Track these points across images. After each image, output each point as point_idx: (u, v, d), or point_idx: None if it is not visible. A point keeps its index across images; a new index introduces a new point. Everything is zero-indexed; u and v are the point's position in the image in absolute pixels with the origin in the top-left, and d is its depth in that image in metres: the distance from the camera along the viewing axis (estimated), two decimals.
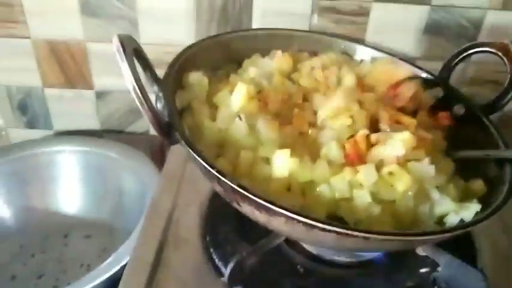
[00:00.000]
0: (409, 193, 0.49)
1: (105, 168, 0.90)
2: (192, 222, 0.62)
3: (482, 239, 0.62)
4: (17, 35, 0.87)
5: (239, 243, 0.58)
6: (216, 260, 0.56)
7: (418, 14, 0.82)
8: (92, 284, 0.66)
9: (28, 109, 0.97)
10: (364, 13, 0.83)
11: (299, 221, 0.41)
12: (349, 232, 0.41)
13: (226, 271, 0.51)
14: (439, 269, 0.55)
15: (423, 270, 0.56)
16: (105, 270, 0.67)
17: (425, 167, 0.50)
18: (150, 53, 0.87)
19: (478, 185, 0.54)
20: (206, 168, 0.45)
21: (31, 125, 0.99)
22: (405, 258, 0.58)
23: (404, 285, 0.55)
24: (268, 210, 0.42)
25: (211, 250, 0.58)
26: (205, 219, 0.62)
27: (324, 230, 0.41)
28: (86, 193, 0.93)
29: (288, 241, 0.57)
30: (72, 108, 0.96)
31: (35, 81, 0.93)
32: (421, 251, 0.55)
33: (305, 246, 0.58)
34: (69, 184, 0.93)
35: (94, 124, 0.99)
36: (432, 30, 0.84)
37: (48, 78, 0.93)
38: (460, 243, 0.57)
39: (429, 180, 0.50)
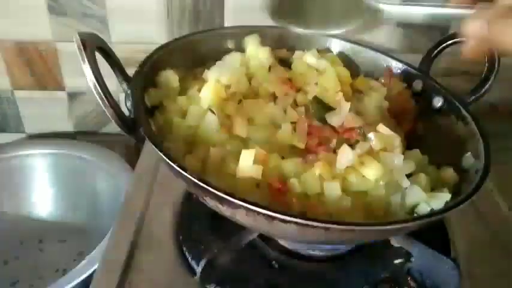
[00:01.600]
0: (381, 182, 0.49)
1: (79, 170, 0.89)
2: (165, 222, 0.61)
3: (455, 228, 0.62)
4: None
5: (212, 242, 0.57)
6: (189, 259, 0.55)
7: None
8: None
9: None
10: None
11: (259, 213, 0.41)
12: (309, 222, 0.40)
13: (198, 269, 0.50)
14: (413, 259, 0.55)
15: (397, 261, 0.56)
16: (79, 274, 0.66)
17: (395, 156, 0.51)
18: (120, 51, 0.85)
19: (449, 173, 0.54)
20: (169, 163, 0.44)
21: (1, 128, 0.97)
22: (379, 250, 0.57)
23: (379, 277, 0.55)
24: (229, 203, 0.42)
25: (184, 249, 0.57)
26: (178, 218, 0.61)
27: (284, 221, 0.41)
28: (59, 197, 0.91)
29: (263, 237, 0.57)
30: (44, 110, 0.94)
31: (4, 83, 0.91)
32: (395, 243, 0.54)
33: (280, 241, 0.58)
34: (42, 188, 0.91)
35: (67, 126, 0.97)
36: (404, 23, 0.84)
37: (17, 80, 0.91)
38: (434, 233, 0.58)
39: (399, 169, 0.50)
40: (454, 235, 0.61)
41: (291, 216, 0.40)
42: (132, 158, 0.92)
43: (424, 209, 0.48)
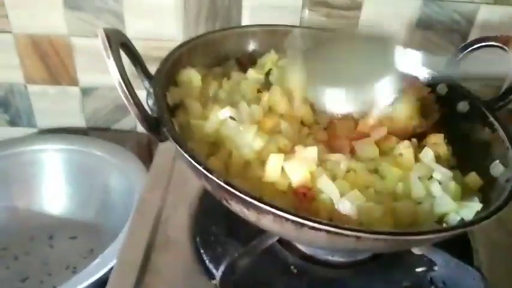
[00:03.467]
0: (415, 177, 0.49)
1: (91, 167, 0.88)
2: (181, 222, 0.60)
3: (478, 237, 0.61)
4: None
5: (230, 244, 0.56)
6: (207, 262, 0.54)
7: (411, 8, 0.81)
8: (79, 287, 0.64)
9: (10, 106, 0.94)
10: (356, 7, 0.81)
11: (287, 219, 0.40)
12: (339, 231, 0.39)
13: (218, 273, 0.49)
14: (436, 268, 0.54)
15: (419, 269, 0.55)
16: (92, 273, 0.65)
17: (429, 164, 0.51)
18: (136, 48, 0.86)
19: (473, 177, 0.53)
20: (194, 165, 0.43)
21: (14, 123, 0.96)
22: (401, 258, 0.56)
23: (400, 285, 0.54)
24: (256, 208, 0.41)
25: (202, 251, 0.56)
26: (195, 219, 0.60)
27: (313, 228, 0.39)
28: (71, 193, 0.90)
29: (281, 241, 0.56)
30: (57, 105, 0.93)
31: (17, 77, 0.90)
32: (417, 250, 0.53)
33: (299, 246, 0.57)
34: (53, 184, 0.91)
35: (79, 122, 0.96)
36: (424, 24, 0.82)
37: (31, 75, 0.90)
38: (456, 241, 0.56)
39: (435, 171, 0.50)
40: (476, 243, 0.60)
41: (321, 224, 0.39)
42: (143, 155, 0.91)
43: (453, 218, 0.47)
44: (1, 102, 0.93)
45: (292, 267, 0.55)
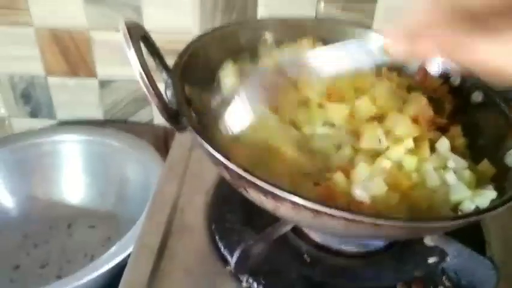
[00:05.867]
0: (429, 167, 0.49)
1: (109, 157, 0.90)
2: (197, 210, 0.61)
3: (491, 229, 0.61)
4: (19, 23, 0.86)
5: (245, 232, 0.57)
6: (222, 249, 0.56)
7: None
8: (96, 273, 0.66)
9: (31, 98, 0.96)
10: (371, 0, 0.81)
11: (306, 207, 0.40)
12: (358, 218, 0.40)
13: (232, 260, 0.50)
14: (448, 258, 0.54)
15: (431, 260, 0.55)
16: (109, 260, 0.67)
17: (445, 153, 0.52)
18: (154, 40, 0.87)
19: (486, 165, 0.53)
20: (212, 154, 0.44)
21: (34, 114, 0.99)
22: (413, 248, 0.57)
23: (412, 276, 0.54)
24: (274, 196, 0.42)
25: (217, 238, 0.57)
26: (210, 207, 0.62)
27: (332, 216, 0.40)
28: (89, 183, 0.92)
29: (295, 230, 0.57)
30: (76, 97, 0.96)
31: (38, 69, 0.92)
32: (429, 241, 0.54)
33: (312, 235, 0.58)
34: (72, 174, 0.93)
35: (97, 114, 0.98)
36: None
37: (51, 67, 0.92)
38: (468, 232, 0.56)
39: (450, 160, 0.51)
40: (489, 236, 0.60)
41: (339, 210, 0.40)
42: (160, 146, 0.93)
43: (468, 206, 0.48)
44: (22, 94, 0.96)
45: (305, 255, 0.56)
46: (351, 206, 0.45)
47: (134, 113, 0.98)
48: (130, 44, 0.45)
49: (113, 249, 0.68)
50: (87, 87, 0.94)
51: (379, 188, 0.46)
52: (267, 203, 0.44)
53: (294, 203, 0.41)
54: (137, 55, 0.45)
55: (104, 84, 0.94)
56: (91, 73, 0.92)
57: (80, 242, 0.87)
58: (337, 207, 0.40)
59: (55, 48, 0.89)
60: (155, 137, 0.98)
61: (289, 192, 0.41)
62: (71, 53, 0.90)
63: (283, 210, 0.43)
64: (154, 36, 0.86)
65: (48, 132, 0.94)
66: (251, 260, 0.51)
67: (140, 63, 0.45)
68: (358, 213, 0.41)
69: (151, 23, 0.85)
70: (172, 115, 0.48)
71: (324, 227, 0.47)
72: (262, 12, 0.83)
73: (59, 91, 0.95)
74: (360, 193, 0.46)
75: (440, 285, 0.53)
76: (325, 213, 0.40)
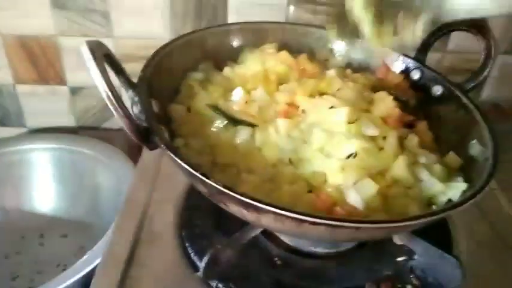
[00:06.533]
0: (402, 164, 0.50)
1: (80, 165, 0.89)
2: (167, 217, 0.61)
3: (458, 227, 0.62)
4: None
5: (215, 237, 0.57)
6: (192, 255, 0.55)
7: None
8: (66, 283, 0.64)
9: (0, 106, 0.94)
10: (341, 3, 0.82)
11: (287, 217, 0.41)
12: (341, 224, 0.41)
13: (201, 265, 0.50)
14: (416, 257, 0.55)
15: (400, 258, 0.56)
16: (80, 269, 0.66)
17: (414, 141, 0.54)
18: (124, 47, 0.86)
19: (452, 157, 0.54)
20: (192, 173, 0.43)
21: (3, 122, 0.97)
22: (382, 248, 0.57)
23: (381, 274, 0.55)
24: (256, 208, 0.42)
25: (187, 245, 0.57)
26: (180, 214, 0.61)
27: (314, 223, 0.41)
28: (61, 191, 0.91)
29: (265, 233, 0.57)
30: (46, 105, 0.94)
31: (6, 77, 0.91)
32: (397, 240, 0.54)
33: (282, 238, 0.58)
34: (43, 183, 0.91)
35: (69, 121, 0.96)
36: None
37: (19, 75, 0.90)
38: (436, 231, 0.57)
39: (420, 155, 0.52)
40: (456, 234, 0.61)
41: (321, 218, 0.40)
42: (133, 153, 0.91)
43: (441, 199, 0.49)
44: None
45: (276, 258, 0.56)
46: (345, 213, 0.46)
47: (106, 119, 0.97)
48: (95, 65, 0.43)
49: (84, 258, 0.67)
50: (58, 94, 0.93)
51: (370, 188, 0.47)
52: (248, 216, 0.44)
53: (276, 214, 0.41)
54: (103, 76, 0.44)
55: (74, 91, 0.92)
56: (61, 80, 0.91)
57: (52, 252, 0.85)
58: (318, 216, 0.41)
59: (23, 55, 0.88)
60: (128, 143, 0.97)
61: (270, 204, 0.41)
62: (39, 60, 0.88)
63: (265, 221, 0.44)
64: (124, 42, 0.87)
65: (18, 141, 0.92)
66: (221, 265, 0.51)
67: (107, 84, 0.44)
68: (340, 220, 0.42)
69: (121, 29, 0.84)
70: (143, 134, 0.47)
71: (307, 235, 0.48)
72: (232, 16, 0.84)
73: (29, 99, 0.94)
74: (354, 197, 0.46)
75: (409, 284, 0.53)
76: (307, 222, 0.41)
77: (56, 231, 0.88)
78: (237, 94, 0.56)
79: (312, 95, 0.56)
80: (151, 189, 0.65)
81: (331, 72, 0.61)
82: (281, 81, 0.59)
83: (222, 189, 0.42)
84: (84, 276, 0.65)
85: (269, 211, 0.41)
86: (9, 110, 0.95)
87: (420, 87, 0.64)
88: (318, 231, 0.42)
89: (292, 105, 0.55)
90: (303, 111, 0.54)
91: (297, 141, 0.52)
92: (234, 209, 0.45)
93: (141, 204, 0.63)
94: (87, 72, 0.84)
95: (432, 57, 0.69)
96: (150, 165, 0.69)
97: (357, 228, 0.42)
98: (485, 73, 0.61)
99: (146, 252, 0.56)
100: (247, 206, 0.42)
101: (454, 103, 0.60)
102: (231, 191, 0.42)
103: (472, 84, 0.62)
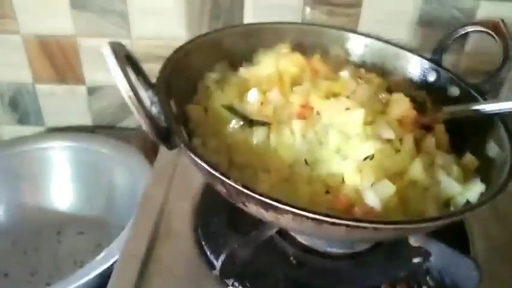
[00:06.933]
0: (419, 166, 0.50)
1: (97, 164, 0.90)
2: (183, 215, 0.62)
3: (475, 229, 0.62)
4: (6, 31, 0.86)
5: (231, 236, 0.57)
6: (208, 253, 0.56)
7: (411, 6, 0.82)
8: (84, 280, 0.65)
9: (19, 105, 0.96)
10: (357, 4, 0.82)
11: (307, 217, 0.41)
12: (361, 224, 0.41)
13: (218, 264, 0.50)
14: (432, 258, 0.55)
15: (416, 260, 0.56)
16: (97, 266, 0.66)
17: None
18: (141, 47, 0.88)
19: (469, 158, 0.54)
20: (212, 173, 0.44)
21: (22, 121, 0.98)
22: (398, 249, 0.57)
23: (397, 276, 0.55)
24: (276, 208, 0.42)
25: (203, 243, 0.57)
26: (197, 212, 0.62)
27: (333, 224, 0.41)
28: (78, 189, 0.92)
29: (281, 232, 0.57)
30: (64, 104, 0.96)
31: (26, 77, 0.92)
32: (413, 242, 0.54)
33: (298, 238, 0.58)
34: (61, 180, 0.92)
35: (86, 120, 0.98)
36: (425, 21, 0.83)
37: (39, 74, 0.92)
38: (453, 232, 0.57)
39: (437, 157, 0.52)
40: (473, 236, 0.61)
41: (340, 219, 0.41)
42: (149, 152, 0.93)
43: (459, 201, 0.49)
44: (10, 101, 0.95)
45: (291, 258, 0.56)
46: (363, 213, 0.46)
47: (123, 118, 0.98)
48: (117, 66, 0.44)
49: (101, 255, 0.68)
50: (76, 93, 0.94)
51: (387, 189, 0.47)
52: (267, 216, 0.44)
53: (295, 214, 0.41)
54: (125, 77, 0.44)
55: (92, 90, 0.94)
56: (79, 80, 0.92)
57: (70, 249, 0.87)
58: (337, 216, 0.41)
59: (42, 55, 0.89)
60: (144, 142, 0.98)
61: (290, 204, 0.41)
62: (58, 60, 0.90)
63: (283, 221, 0.44)
64: (142, 42, 0.88)
65: (37, 139, 0.94)
66: (237, 264, 0.51)
67: (129, 85, 0.44)
68: (359, 220, 0.42)
69: (139, 30, 0.85)
70: (163, 134, 0.47)
71: (325, 235, 0.48)
72: (248, 17, 0.84)
73: (47, 98, 0.95)
74: (372, 198, 0.46)
75: (424, 285, 0.53)
76: (327, 222, 0.41)
77: (73, 229, 0.90)
78: (252, 95, 0.56)
79: (326, 97, 0.56)
80: (168, 187, 0.66)
81: (345, 74, 0.61)
82: (295, 82, 0.59)
83: (241, 189, 0.42)
84: (101, 272, 0.66)
85: (288, 211, 0.41)
86: (28, 109, 0.97)
87: (437, 89, 0.64)
88: (337, 231, 0.42)
89: (306, 106, 0.55)
90: (318, 112, 0.54)
91: (313, 142, 0.52)
92: (253, 208, 0.45)
93: (158, 202, 0.63)
94: (105, 72, 0.85)
95: (449, 59, 0.69)
96: (166, 164, 0.70)
97: (376, 228, 0.42)
98: (502, 74, 0.61)
99: (163, 249, 0.57)
100: (266, 206, 0.43)
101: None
102: (251, 191, 0.42)
103: (490, 86, 0.62)
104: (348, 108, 0.53)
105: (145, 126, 0.46)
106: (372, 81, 0.61)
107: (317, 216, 0.41)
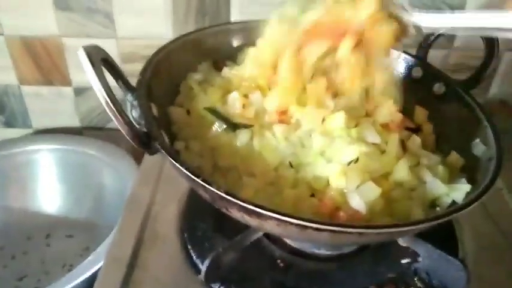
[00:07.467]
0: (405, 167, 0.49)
1: (85, 166, 0.89)
2: (170, 219, 0.61)
3: (464, 228, 0.61)
4: None
5: (217, 239, 0.57)
6: (194, 257, 0.55)
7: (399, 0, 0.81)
8: (73, 284, 0.65)
9: (5, 108, 0.95)
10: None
11: (291, 223, 0.41)
12: (345, 230, 0.41)
13: (203, 268, 0.49)
14: (420, 259, 0.54)
15: (404, 261, 0.56)
16: (85, 270, 0.66)
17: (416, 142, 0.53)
18: (127, 47, 0.86)
19: (454, 157, 0.54)
20: (193, 179, 0.43)
21: (9, 123, 0.97)
22: (386, 250, 0.57)
23: (385, 277, 0.54)
24: (259, 215, 0.41)
25: (189, 247, 0.56)
26: (183, 215, 0.61)
27: (317, 229, 0.41)
28: (66, 192, 0.92)
29: (268, 236, 0.56)
30: (51, 105, 0.94)
31: (11, 79, 0.91)
32: (401, 242, 0.54)
33: (285, 240, 0.57)
34: (49, 183, 0.92)
35: (73, 121, 0.97)
36: None
37: (24, 76, 0.91)
38: (442, 232, 0.57)
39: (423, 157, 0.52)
40: (462, 235, 0.60)
41: (324, 224, 0.40)
42: (137, 153, 0.91)
43: (445, 201, 0.48)
44: None
45: (278, 261, 0.56)
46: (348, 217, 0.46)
47: (110, 119, 0.95)
48: (92, 70, 0.43)
49: (89, 258, 0.67)
50: (62, 95, 0.93)
51: (373, 191, 0.46)
52: (252, 222, 0.44)
53: (279, 220, 0.41)
54: (100, 82, 0.43)
55: (78, 91, 0.93)
56: (65, 81, 0.91)
57: (58, 253, 0.86)
58: (321, 222, 0.41)
59: (27, 56, 0.88)
60: (132, 144, 0.97)
61: (273, 210, 0.40)
62: (43, 61, 0.89)
63: (268, 227, 0.44)
64: (127, 42, 0.86)
65: (24, 142, 0.93)
66: (223, 268, 0.51)
67: (104, 89, 0.43)
68: (343, 225, 0.42)
69: (124, 29, 0.84)
70: (143, 140, 0.46)
71: (310, 239, 0.48)
72: (235, 15, 0.83)
73: (34, 100, 0.94)
74: (357, 201, 0.46)
75: (412, 286, 0.53)
76: (311, 228, 0.40)
77: (61, 232, 0.89)
78: (233, 98, 0.55)
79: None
80: (155, 189, 0.65)
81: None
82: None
83: (223, 195, 0.42)
84: (90, 276, 0.65)
85: (272, 217, 0.41)
86: (14, 111, 0.95)
87: (422, 86, 0.63)
88: (322, 236, 0.42)
89: (285, 113, 0.54)
90: (297, 120, 0.53)
91: (296, 145, 0.52)
92: (236, 214, 0.45)
93: (144, 205, 0.63)
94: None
95: (438, 54, 0.68)
96: (152, 167, 0.69)
97: (360, 233, 0.42)
98: (488, 71, 0.60)
99: (149, 254, 0.56)
100: (249, 212, 0.42)
101: (456, 101, 0.59)
102: (233, 197, 0.41)
103: (475, 82, 0.61)
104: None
105: (123, 131, 0.45)
106: None
107: (301, 222, 0.40)
